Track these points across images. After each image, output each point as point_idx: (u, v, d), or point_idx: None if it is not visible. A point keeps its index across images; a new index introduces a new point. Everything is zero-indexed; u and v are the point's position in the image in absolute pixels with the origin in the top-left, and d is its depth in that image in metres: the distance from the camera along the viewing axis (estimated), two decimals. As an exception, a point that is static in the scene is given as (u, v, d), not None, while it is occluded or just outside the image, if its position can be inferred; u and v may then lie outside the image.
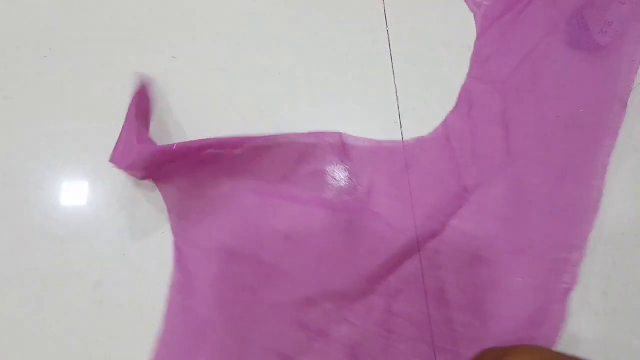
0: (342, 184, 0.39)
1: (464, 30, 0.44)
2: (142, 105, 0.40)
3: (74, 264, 0.37)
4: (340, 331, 0.36)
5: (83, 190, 0.39)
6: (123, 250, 0.37)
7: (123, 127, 0.37)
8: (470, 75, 0.43)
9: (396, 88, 0.43)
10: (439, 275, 0.38)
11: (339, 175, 0.39)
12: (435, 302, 0.38)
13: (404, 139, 0.42)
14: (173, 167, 0.38)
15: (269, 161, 0.39)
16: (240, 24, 0.45)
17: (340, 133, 0.40)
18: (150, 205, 0.38)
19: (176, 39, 0.44)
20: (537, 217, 0.39)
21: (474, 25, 0.44)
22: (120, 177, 0.39)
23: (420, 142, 0.41)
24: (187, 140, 0.38)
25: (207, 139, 0.38)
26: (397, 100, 0.43)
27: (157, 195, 0.38)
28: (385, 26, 0.44)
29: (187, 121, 0.41)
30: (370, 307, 0.37)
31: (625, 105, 0.42)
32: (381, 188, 0.40)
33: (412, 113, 0.42)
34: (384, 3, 0.45)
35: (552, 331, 0.37)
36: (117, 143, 0.37)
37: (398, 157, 0.41)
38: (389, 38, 0.44)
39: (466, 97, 0.42)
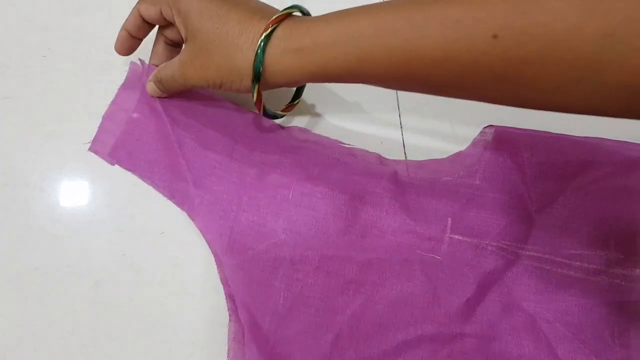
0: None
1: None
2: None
3: (74, 264, 0.37)
4: None
5: (83, 190, 0.39)
6: (123, 250, 0.37)
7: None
8: None
9: (396, 88, 0.43)
10: (524, 308, 0.36)
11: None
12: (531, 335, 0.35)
13: (405, 138, 0.42)
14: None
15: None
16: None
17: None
18: (150, 205, 0.38)
19: (176, 39, 0.44)
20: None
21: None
22: (120, 177, 0.39)
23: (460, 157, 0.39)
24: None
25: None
26: (397, 100, 0.43)
27: (157, 195, 0.38)
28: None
29: (187, 121, 0.41)
30: (465, 349, 0.34)
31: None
32: (440, 221, 0.37)
33: (412, 113, 0.42)
34: (384, 3, 0.45)
35: None
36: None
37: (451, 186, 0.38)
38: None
39: None
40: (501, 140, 0.38)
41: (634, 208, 0.37)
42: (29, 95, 0.41)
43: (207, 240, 0.37)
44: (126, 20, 0.38)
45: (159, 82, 0.37)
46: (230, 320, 0.35)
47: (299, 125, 0.41)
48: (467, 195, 0.38)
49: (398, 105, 0.42)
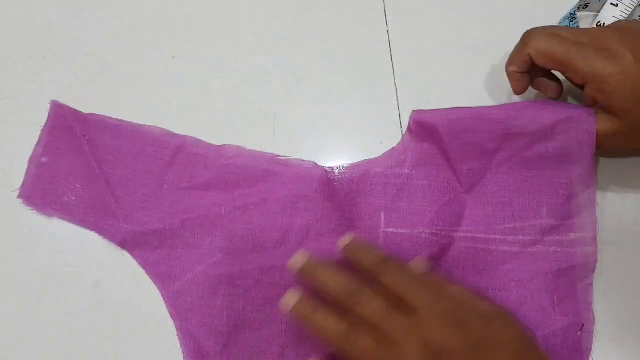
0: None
1: (464, 30, 0.44)
2: None
3: (73, 264, 0.37)
4: None
5: (83, 190, 0.39)
6: (123, 250, 0.37)
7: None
8: None
9: (396, 88, 0.43)
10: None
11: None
12: None
13: (404, 139, 0.42)
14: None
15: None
16: (240, 23, 0.45)
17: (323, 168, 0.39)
18: (150, 205, 0.38)
19: (176, 39, 0.44)
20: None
21: (475, 25, 0.44)
22: (120, 177, 0.38)
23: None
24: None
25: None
26: (397, 100, 0.43)
27: (157, 195, 0.38)
28: (386, 26, 0.44)
29: (186, 121, 0.41)
30: None
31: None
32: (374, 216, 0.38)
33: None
34: (384, 3, 0.45)
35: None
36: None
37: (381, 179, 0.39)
38: (389, 38, 0.44)
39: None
40: (421, 126, 0.38)
41: (558, 173, 0.37)
42: (29, 95, 0.41)
43: (147, 273, 0.37)
44: (513, 58, 0.37)
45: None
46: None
47: (295, 122, 0.41)
48: (397, 185, 0.38)
49: (398, 105, 0.42)
